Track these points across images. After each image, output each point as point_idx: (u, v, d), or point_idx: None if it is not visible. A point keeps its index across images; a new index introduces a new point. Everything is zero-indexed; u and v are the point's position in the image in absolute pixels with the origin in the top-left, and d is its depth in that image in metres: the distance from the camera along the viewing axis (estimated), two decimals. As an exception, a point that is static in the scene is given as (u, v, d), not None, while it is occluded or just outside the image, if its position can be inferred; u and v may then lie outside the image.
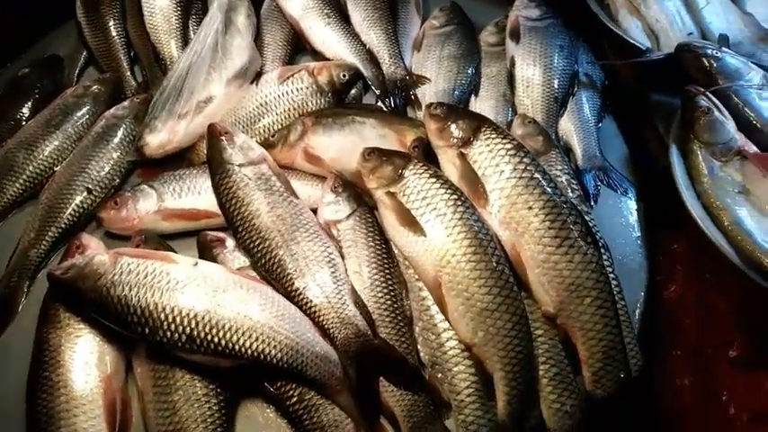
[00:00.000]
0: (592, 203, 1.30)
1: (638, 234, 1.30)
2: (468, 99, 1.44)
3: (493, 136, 1.17)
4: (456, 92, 1.43)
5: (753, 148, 1.22)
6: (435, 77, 1.44)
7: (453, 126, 1.19)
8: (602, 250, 1.18)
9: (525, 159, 1.14)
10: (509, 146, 1.15)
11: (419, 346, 1.13)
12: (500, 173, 1.13)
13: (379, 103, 1.47)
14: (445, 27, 1.52)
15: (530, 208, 1.10)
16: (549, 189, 1.12)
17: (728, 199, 1.19)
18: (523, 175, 1.12)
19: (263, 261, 1.14)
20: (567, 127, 1.40)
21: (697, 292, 1.35)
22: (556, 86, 1.40)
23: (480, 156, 1.15)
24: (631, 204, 1.34)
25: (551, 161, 1.27)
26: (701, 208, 1.21)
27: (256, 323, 1.04)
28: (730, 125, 1.23)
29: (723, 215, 1.18)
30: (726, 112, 1.24)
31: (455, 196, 1.14)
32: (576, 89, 1.43)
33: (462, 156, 1.17)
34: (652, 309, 1.26)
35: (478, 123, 1.19)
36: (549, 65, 1.40)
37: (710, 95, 1.25)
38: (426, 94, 1.43)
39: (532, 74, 1.40)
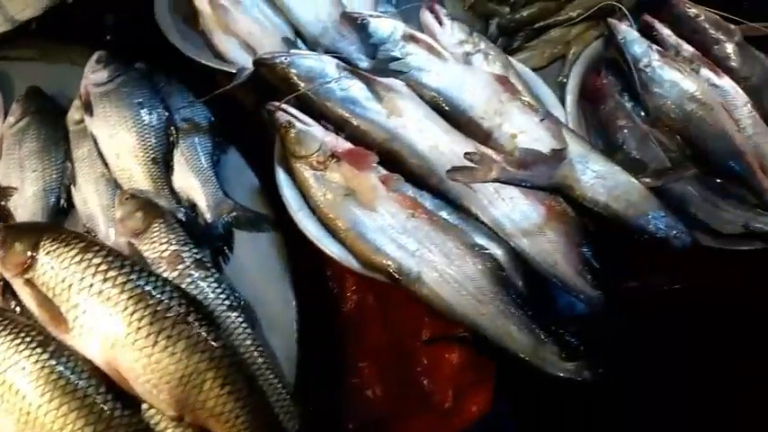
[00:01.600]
0: (221, 260, 1.22)
1: (281, 267, 1.22)
2: (68, 192, 1.28)
3: (54, 248, 1.00)
4: (50, 194, 1.25)
5: (345, 146, 1.18)
6: (21, 184, 1.25)
7: (10, 252, 1.03)
8: (239, 311, 1.11)
9: (95, 260, 0.99)
10: (73, 253, 0.99)
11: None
12: (69, 288, 0.98)
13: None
14: (21, 121, 1.31)
15: (112, 315, 0.97)
16: (131, 283, 0.98)
17: (338, 206, 1.14)
18: (95, 281, 0.97)
19: None
20: (183, 182, 1.26)
21: (375, 291, 1.33)
22: (150, 147, 1.26)
23: (45, 276, 0.99)
24: (270, 239, 1.25)
25: (154, 237, 1.14)
26: (320, 225, 1.17)
27: None
28: (315, 130, 1.17)
29: (338, 224, 1.13)
30: (307, 119, 1.18)
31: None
32: (178, 139, 1.31)
33: (30, 282, 1.02)
34: (318, 340, 1.21)
35: (36, 239, 1.03)
36: (133, 127, 1.26)
37: (287, 107, 1.19)
38: (18, 206, 1.25)
39: (118, 143, 1.25)
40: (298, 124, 1.16)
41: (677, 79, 1.25)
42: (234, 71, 1.32)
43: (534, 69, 1.48)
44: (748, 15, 1.36)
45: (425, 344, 1.29)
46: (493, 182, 1.07)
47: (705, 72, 1.31)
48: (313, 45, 1.41)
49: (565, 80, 1.43)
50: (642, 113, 1.29)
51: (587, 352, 1.08)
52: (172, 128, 1.30)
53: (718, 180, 1.21)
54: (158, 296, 1.00)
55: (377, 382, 1.26)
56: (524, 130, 1.19)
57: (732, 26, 1.35)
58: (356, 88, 1.19)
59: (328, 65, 1.21)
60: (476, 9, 1.55)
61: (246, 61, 1.40)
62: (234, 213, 1.26)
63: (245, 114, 1.43)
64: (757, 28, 1.34)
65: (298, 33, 1.44)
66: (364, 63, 1.21)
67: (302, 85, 1.19)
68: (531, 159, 1.06)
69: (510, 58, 1.35)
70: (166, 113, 1.31)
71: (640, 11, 1.51)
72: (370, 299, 1.33)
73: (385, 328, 1.33)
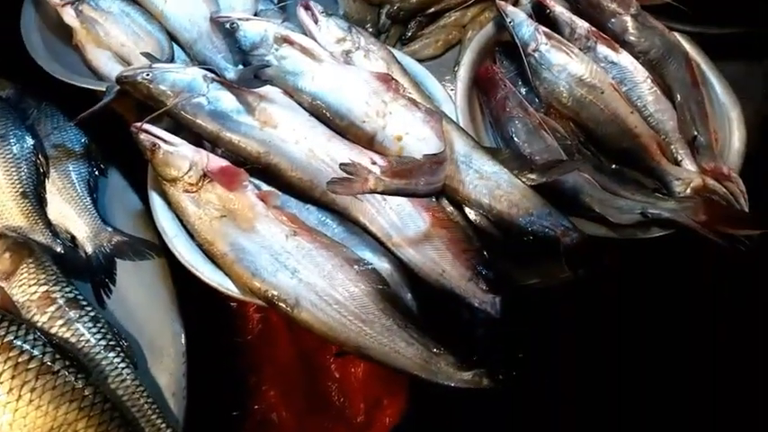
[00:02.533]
0: (103, 294, 1.14)
1: (167, 296, 1.15)
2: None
3: None
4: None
5: (216, 164, 1.10)
6: None
7: None
8: (118, 351, 1.04)
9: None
10: None
11: None
12: None
13: None
14: None
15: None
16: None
17: (215, 228, 1.06)
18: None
19: None
20: (59, 214, 1.19)
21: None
22: (18, 181, 1.17)
23: None
24: (154, 266, 1.18)
25: (23, 279, 1.06)
26: (197, 250, 1.10)
27: None
28: (184, 150, 1.08)
29: (215, 248, 1.06)
30: (174, 139, 1.09)
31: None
32: (49, 168, 1.22)
33: None
34: (213, 370, 1.15)
35: None
36: (-6, 160, 1.18)
37: (150, 127, 1.10)
38: None
39: (-18, 178, 1.17)
40: (164, 145, 1.08)
41: (565, 63, 1.18)
42: (104, 88, 1.24)
43: (430, 59, 1.42)
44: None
45: (336, 356, 1.25)
46: (371, 193, 1.01)
47: (602, 48, 1.25)
48: (189, 52, 1.33)
49: (458, 62, 1.37)
50: (537, 101, 1.23)
51: (486, 358, 1.04)
52: (41, 157, 1.21)
53: (615, 166, 1.16)
54: (20, 345, 0.94)
55: (282, 405, 1.22)
56: (409, 131, 1.12)
57: (628, -3, 1.29)
58: (226, 100, 1.11)
59: (194, 77, 1.12)
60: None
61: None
62: (114, 242, 1.19)
63: (127, 131, 1.35)
64: (653, -2, 1.28)
65: (174, 40, 1.36)
66: (231, 73, 1.13)
67: (169, 100, 1.12)
68: (408, 167, 0.99)
69: (396, 51, 1.27)
70: (33, 142, 1.22)
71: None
72: (274, 316, 1.28)
73: (292, 344, 1.28)
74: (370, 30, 1.43)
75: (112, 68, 1.33)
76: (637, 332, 1.16)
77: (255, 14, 1.35)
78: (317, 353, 1.27)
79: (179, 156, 1.09)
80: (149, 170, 1.16)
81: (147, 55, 1.19)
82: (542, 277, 1.10)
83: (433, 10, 1.43)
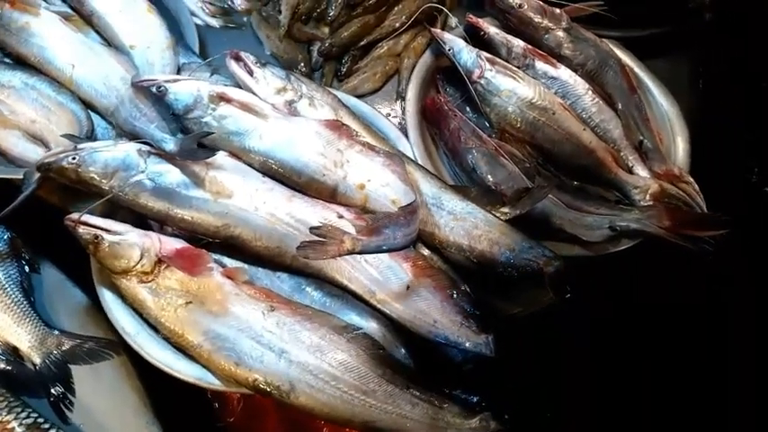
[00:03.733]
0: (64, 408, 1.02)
1: (136, 397, 1.04)
2: None
3: None
4: None
5: (171, 246, 1.01)
6: None
7: None
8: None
9: None
10: None
11: None
12: None
13: None
14: None
15: None
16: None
17: (182, 318, 0.97)
18: None
19: None
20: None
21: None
22: (-67, 297, 1.03)
23: None
24: (115, 366, 1.05)
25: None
26: (167, 345, 1.00)
27: None
28: (131, 237, 0.98)
29: (187, 340, 0.97)
30: (117, 226, 0.99)
31: None
32: None
33: None
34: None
35: None
36: None
37: (89, 218, 0.99)
38: None
39: None
40: (107, 236, 0.97)
41: (513, 87, 1.18)
42: (21, 176, 1.10)
43: (371, 93, 1.38)
44: (568, -1, 1.32)
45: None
46: (348, 254, 0.95)
47: (540, 65, 1.26)
48: (111, 119, 1.21)
49: (403, 97, 1.34)
50: (488, 125, 1.22)
51: (489, 400, 1.02)
52: (-41, 266, 1.07)
53: (576, 183, 1.17)
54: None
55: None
56: (371, 178, 1.08)
57: (557, 10, 1.29)
58: (169, 175, 1.01)
59: (128, 153, 1.02)
60: (292, 36, 1.41)
61: (38, 156, 1.17)
62: (64, 346, 1.06)
63: (57, 216, 1.20)
64: (582, 8, 1.30)
65: (91, 108, 1.23)
66: (170, 145, 1.03)
67: (103, 183, 1.01)
68: (382, 223, 0.95)
69: (339, 93, 1.21)
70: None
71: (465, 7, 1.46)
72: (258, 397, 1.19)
73: (280, 416, 1.20)
74: (304, 69, 1.37)
75: (25, 149, 1.19)
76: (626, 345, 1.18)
77: (179, 70, 1.26)
78: (309, 421, 1.20)
79: (126, 244, 0.98)
80: (93, 263, 1.04)
81: (67, 136, 1.07)
82: (527, 305, 1.10)
83: (365, 42, 1.38)
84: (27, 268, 1.13)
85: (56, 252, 1.17)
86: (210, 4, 1.47)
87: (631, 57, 1.34)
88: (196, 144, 1.03)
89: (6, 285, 1.08)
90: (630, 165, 1.22)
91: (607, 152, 1.17)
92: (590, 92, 1.24)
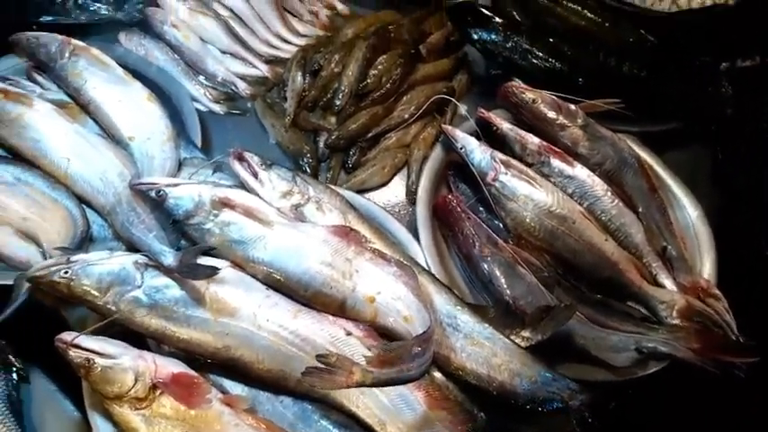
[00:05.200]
0: None
1: None
2: None
3: None
4: None
5: (167, 370, 0.93)
6: None
7: None
8: None
9: None
10: None
11: None
12: None
13: None
14: None
15: None
16: None
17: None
18: None
19: None
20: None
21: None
22: None
23: None
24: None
25: None
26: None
27: None
28: (124, 361, 0.90)
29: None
30: (110, 348, 0.90)
31: None
32: None
33: None
34: None
35: None
36: None
37: (82, 339, 0.92)
38: None
39: None
40: (99, 360, 0.90)
41: (529, 193, 1.13)
42: (11, 282, 1.03)
43: (378, 187, 1.33)
44: (587, 92, 1.27)
45: None
46: (357, 387, 0.88)
47: (556, 163, 1.21)
48: (107, 218, 1.15)
49: (413, 191, 1.29)
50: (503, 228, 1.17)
51: None
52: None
53: (599, 296, 1.11)
54: None
55: None
56: (381, 290, 1.01)
57: (573, 106, 1.25)
58: (167, 290, 0.95)
59: (123, 266, 0.96)
60: (298, 125, 1.36)
61: (31, 256, 1.12)
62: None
63: (50, 317, 1.13)
64: (597, 105, 1.26)
65: (87, 204, 1.17)
66: (169, 258, 0.97)
67: (97, 298, 0.94)
68: (395, 353, 0.88)
69: (347, 193, 1.16)
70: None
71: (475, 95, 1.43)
72: None
73: None
74: (310, 160, 1.32)
75: (16, 249, 1.12)
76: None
77: (180, 164, 1.21)
78: None
79: (120, 369, 0.91)
80: (85, 385, 0.97)
81: (61, 249, 1.00)
82: (549, 433, 1.03)
83: (373, 133, 1.34)
84: (16, 377, 1.04)
85: (48, 357, 1.08)
86: (213, 89, 1.43)
87: (650, 153, 1.30)
88: (197, 259, 0.97)
89: (-9, 401, 1.01)
90: (654, 273, 1.17)
91: (631, 263, 1.11)
92: (609, 193, 1.19)
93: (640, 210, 1.20)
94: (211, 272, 0.94)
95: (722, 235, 1.23)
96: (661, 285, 1.16)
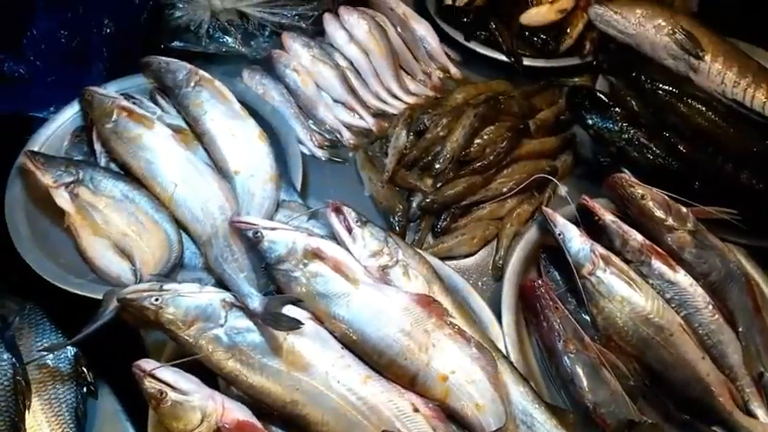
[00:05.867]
0: None
1: None
2: None
3: None
4: None
5: (233, 416, 0.92)
6: None
7: None
8: None
9: None
10: None
11: None
12: None
13: None
14: None
15: None
16: None
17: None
18: None
19: None
20: (36, 451, 1.01)
21: None
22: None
23: None
24: None
25: None
26: None
27: None
28: (195, 399, 0.90)
29: None
30: (185, 384, 0.91)
31: None
32: (30, 394, 1.01)
33: None
34: None
35: None
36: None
37: (159, 370, 0.93)
38: None
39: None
40: (172, 394, 0.91)
41: (628, 295, 1.07)
42: (100, 296, 1.07)
43: (465, 257, 1.31)
44: (700, 197, 1.20)
45: None
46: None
47: (657, 265, 1.15)
48: (201, 248, 1.18)
49: (499, 267, 1.26)
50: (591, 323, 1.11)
51: None
52: (21, 380, 1.02)
53: (686, 416, 1.03)
54: None
55: None
56: (455, 369, 0.98)
57: (684, 209, 1.19)
58: (248, 334, 0.96)
59: (211, 303, 0.97)
60: (394, 182, 1.37)
61: (122, 273, 1.17)
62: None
63: (125, 337, 1.15)
64: (711, 212, 1.19)
65: (184, 229, 1.22)
66: (255, 303, 0.98)
67: (181, 330, 0.96)
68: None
69: (433, 260, 1.15)
70: (12, 363, 1.02)
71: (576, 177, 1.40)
72: None
73: None
74: (400, 219, 1.32)
75: (110, 263, 1.18)
76: None
77: (278, 206, 1.24)
78: None
79: (189, 406, 0.91)
80: (151, 415, 0.98)
81: (155, 277, 1.03)
82: None
83: (468, 201, 1.33)
84: (85, 392, 1.07)
85: (119, 376, 1.11)
86: (320, 134, 1.47)
87: (758, 270, 1.21)
88: (282, 308, 0.98)
89: (60, 410, 1.04)
90: (746, 399, 1.07)
91: (725, 387, 1.03)
92: (710, 306, 1.11)
93: (741, 329, 1.12)
94: (294, 325, 0.95)
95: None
96: (752, 413, 1.07)
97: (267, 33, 1.61)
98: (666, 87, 1.37)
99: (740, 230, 1.21)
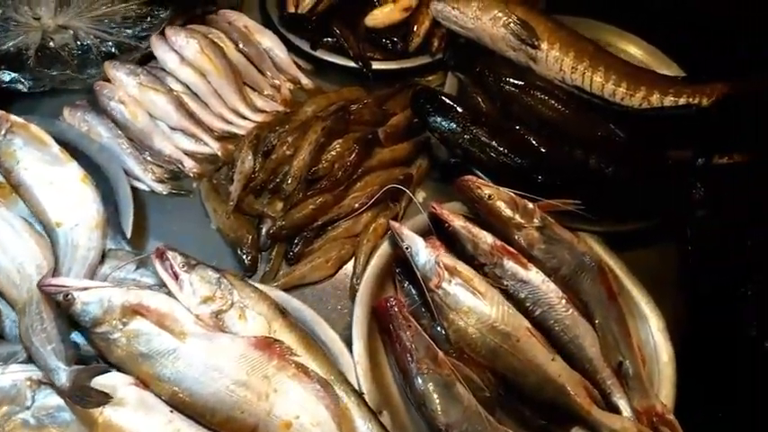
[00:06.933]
0: None
1: None
2: None
3: None
4: None
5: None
6: None
7: None
8: None
9: None
10: None
11: None
12: None
13: None
14: None
15: None
16: None
17: None
18: None
19: None
20: None
21: None
22: None
23: None
24: None
25: None
26: None
27: None
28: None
29: None
30: None
31: None
32: None
33: None
34: None
35: None
36: None
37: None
38: None
39: None
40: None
41: (473, 305, 1.03)
42: None
43: (321, 281, 1.24)
44: (549, 189, 1.19)
45: None
46: None
47: (510, 265, 1.12)
48: (18, 315, 1.06)
49: (357, 286, 1.20)
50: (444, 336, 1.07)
51: None
52: None
53: (543, 421, 1.00)
54: None
55: None
56: (299, 413, 0.92)
57: (530, 205, 1.17)
58: (57, 416, 0.87)
59: (14, 383, 0.88)
60: (242, 210, 1.28)
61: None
62: None
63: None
64: (555, 204, 1.17)
65: (2, 296, 1.09)
66: (62, 378, 0.88)
67: (-18, 418, 0.86)
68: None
69: (279, 294, 1.08)
70: None
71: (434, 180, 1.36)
72: None
73: None
74: (249, 251, 1.23)
75: None
76: None
77: (104, 256, 1.13)
78: None
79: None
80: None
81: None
82: None
83: (319, 222, 1.26)
84: None
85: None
86: (158, 166, 1.36)
87: (612, 256, 1.21)
88: (91, 380, 0.88)
89: None
90: (608, 392, 1.06)
91: (580, 386, 1.01)
92: (563, 301, 1.09)
93: (597, 321, 1.10)
94: (103, 399, 0.86)
95: (684, 351, 1.14)
96: (613, 405, 1.06)
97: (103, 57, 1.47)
98: (510, 80, 1.34)
99: (592, 219, 1.20)
